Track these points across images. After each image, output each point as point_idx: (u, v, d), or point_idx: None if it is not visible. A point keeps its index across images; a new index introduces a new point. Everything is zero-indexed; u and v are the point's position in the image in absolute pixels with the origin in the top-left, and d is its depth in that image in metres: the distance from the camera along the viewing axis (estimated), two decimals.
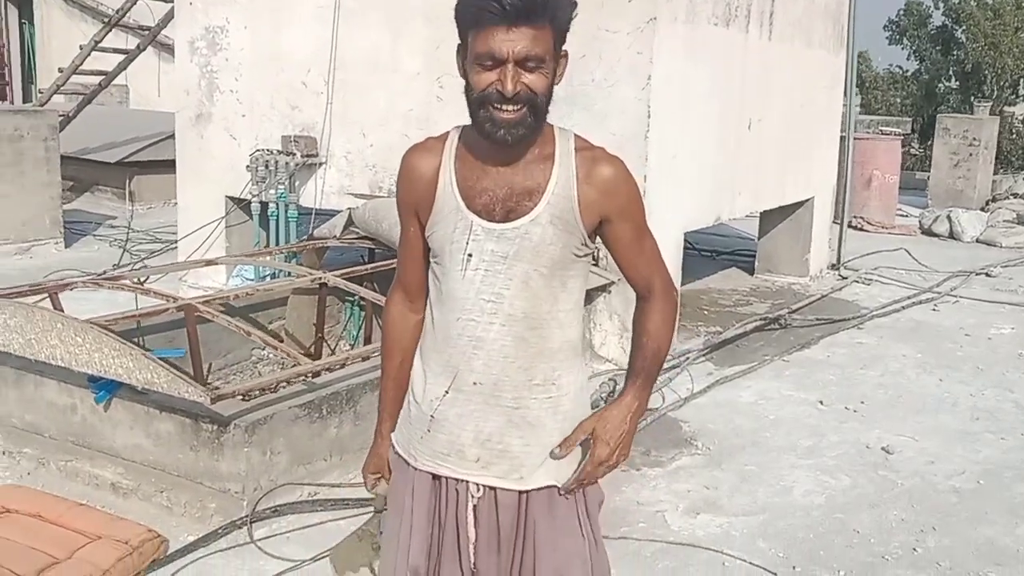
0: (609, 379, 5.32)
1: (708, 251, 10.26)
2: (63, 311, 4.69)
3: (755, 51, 7.36)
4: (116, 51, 10.52)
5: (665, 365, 6.24)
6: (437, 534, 2.14)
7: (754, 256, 9.64)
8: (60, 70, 10.52)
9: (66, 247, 9.42)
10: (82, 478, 4.25)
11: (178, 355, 4.60)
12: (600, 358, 6.28)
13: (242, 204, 7.42)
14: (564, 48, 2.03)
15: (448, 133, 2.14)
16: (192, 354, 4.35)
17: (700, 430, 5.36)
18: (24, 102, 15.76)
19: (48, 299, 4.75)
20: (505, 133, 1.94)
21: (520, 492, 2.09)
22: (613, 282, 6.11)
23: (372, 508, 2.38)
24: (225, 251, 7.49)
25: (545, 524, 2.10)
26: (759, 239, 9.50)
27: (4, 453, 4.48)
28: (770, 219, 9.14)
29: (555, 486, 2.10)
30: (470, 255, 2.03)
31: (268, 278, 6.84)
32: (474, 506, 2.10)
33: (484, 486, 2.09)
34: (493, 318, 2.04)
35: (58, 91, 10.54)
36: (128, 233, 9.87)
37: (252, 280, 7.03)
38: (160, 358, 4.65)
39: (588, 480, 2.11)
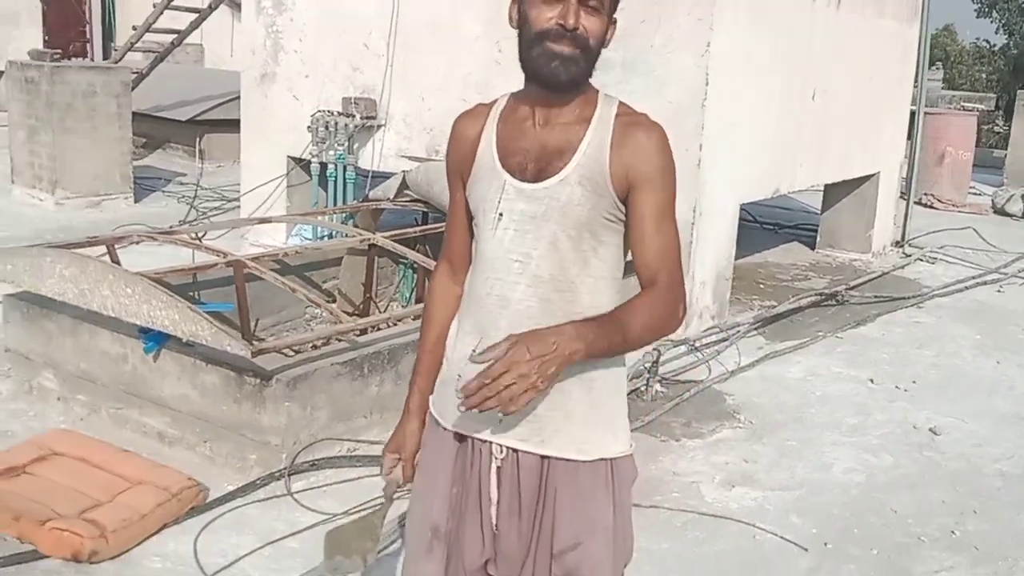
0: (653, 349, 5.30)
1: (770, 224, 10.13)
2: (120, 264, 4.83)
3: (822, 20, 7.20)
4: (189, 10, 10.68)
5: (714, 337, 6.23)
6: (460, 493, 2.15)
7: (817, 231, 9.48)
8: (134, 28, 10.72)
9: (135, 202, 9.65)
10: (131, 425, 4.40)
11: (227, 309, 4.71)
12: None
13: (303, 164, 7.52)
14: (615, 16, 2.02)
15: (497, 99, 2.15)
16: (240, 309, 4.46)
17: (744, 404, 5.33)
18: (104, 59, 16.11)
19: (107, 252, 4.88)
20: (559, 65, 1.93)
21: (542, 457, 2.07)
22: None
23: (382, 494, 2.29)
24: (286, 210, 7.62)
25: (567, 491, 2.08)
26: (822, 213, 9.34)
27: (59, 399, 4.65)
28: (834, 193, 8.97)
29: (578, 460, 2.07)
30: (501, 214, 2.03)
31: (326, 238, 6.94)
32: (497, 467, 2.09)
33: (507, 447, 2.08)
34: (519, 278, 2.02)
35: (132, 49, 10.76)
36: (196, 190, 10.08)
37: (310, 239, 7.14)
38: (209, 312, 4.78)
39: (487, 383, 1.81)
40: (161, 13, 10.06)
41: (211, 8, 10.32)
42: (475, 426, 2.10)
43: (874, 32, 8.21)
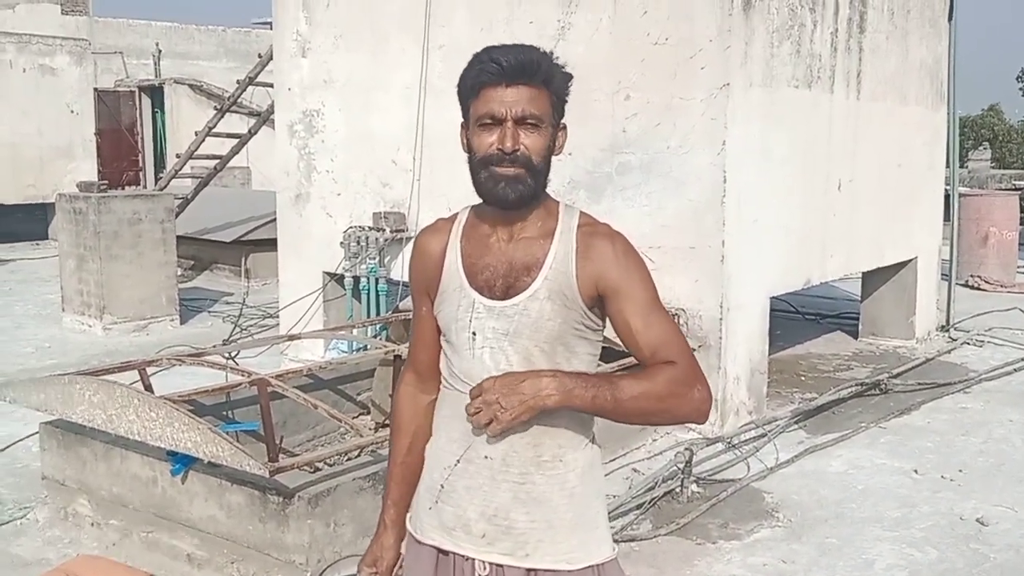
0: (685, 448, 5.24)
1: (812, 314, 10.03)
2: (151, 387, 4.94)
3: (842, 111, 7.26)
4: (231, 136, 11.09)
5: (752, 433, 6.14)
6: None
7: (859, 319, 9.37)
8: (177, 156, 11.13)
9: (182, 323, 9.87)
10: (161, 549, 4.42)
11: (251, 428, 4.76)
12: (684, 427, 6.18)
13: (337, 279, 7.67)
14: (563, 122, 2.09)
15: (458, 213, 2.21)
16: (264, 427, 4.50)
17: (783, 501, 5.21)
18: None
19: (139, 377, 4.99)
20: (505, 187, 1.99)
21: (528, 570, 2.07)
22: (694, 349, 6.03)
23: None
24: (323, 324, 7.75)
25: None
26: (862, 301, 9.24)
27: (93, 524, 4.70)
28: (872, 281, 8.89)
29: (564, 570, 2.06)
30: (474, 333, 2.06)
31: (360, 351, 7.02)
32: None
33: (490, 564, 2.08)
34: None
35: (177, 175, 11.15)
36: (241, 309, 10.29)
37: (346, 352, 7.23)
38: (239, 431, 4.85)
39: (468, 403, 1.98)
40: (203, 141, 10.45)
41: (251, 133, 10.70)
42: (456, 542, 2.10)
43: (898, 119, 8.24)
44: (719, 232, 5.96)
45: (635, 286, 2.06)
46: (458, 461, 2.09)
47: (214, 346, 7.55)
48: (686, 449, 5.22)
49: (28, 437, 5.74)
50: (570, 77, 2.07)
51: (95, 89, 16.85)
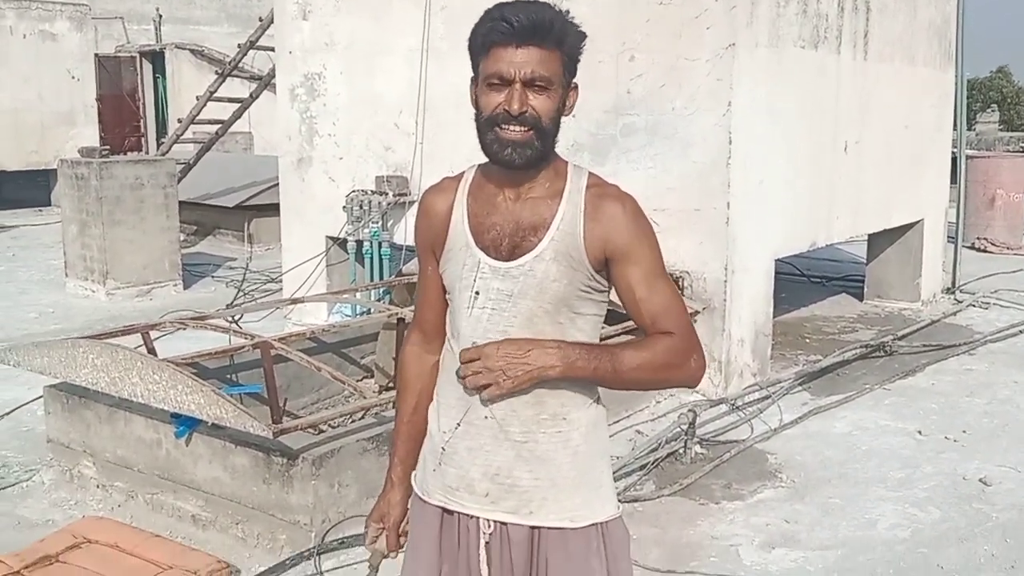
0: (688, 410, 5.23)
1: (817, 277, 10.00)
2: (154, 351, 4.94)
3: (849, 72, 7.19)
4: (232, 100, 11.02)
5: (756, 395, 6.15)
6: (450, 571, 2.13)
7: (864, 282, 9.35)
8: (179, 121, 11.07)
9: (185, 288, 9.87)
10: (166, 510, 4.44)
11: (255, 391, 4.76)
12: (687, 389, 6.18)
13: (340, 243, 7.65)
14: (575, 81, 2.05)
15: (464, 172, 2.18)
16: (268, 389, 4.50)
17: (787, 462, 5.22)
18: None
19: (142, 340, 4.99)
20: (512, 152, 1.96)
21: (532, 528, 2.06)
22: (698, 311, 6.02)
23: (368, 564, 2.27)
24: (326, 288, 7.73)
25: (558, 561, 2.06)
26: (868, 264, 9.21)
27: (99, 486, 4.72)
28: (878, 243, 8.85)
29: (567, 528, 2.07)
30: (477, 293, 2.04)
31: (364, 314, 7.01)
32: (486, 543, 2.08)
33: (495, 522, 2.07)
34: None
35: (178, 141, 11.09)
36: (245, 273, 10.28)
37: (350, 316, 7.23)
38: (243, 393, 4.85)
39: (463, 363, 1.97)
40: (204, 106, 10.39)
41: (252, 98, 10.63)
42: (460, 502, 2.09)
43: (906, 80, 8.16)
44: (724, 194, 5.92)
45: (643, 251, 2.04)
46: (459, 424, 2.07)
47: (218, 310, 7.55)
48: (690, 411, 5.21)
49: (32, 401, 5.76)
50: (584, 36, 2.02)
51: (96, 55, 16.75)
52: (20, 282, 10.19)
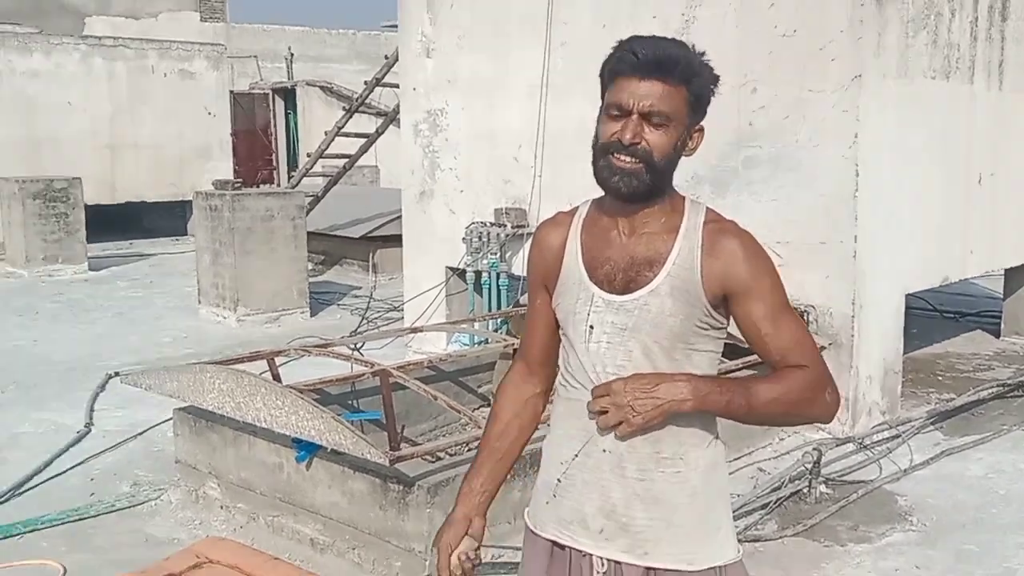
0: (813, 448, 5.07)
1: (951, 313, 9.61)
2: (279, 377, 5.07)
3: (983, 103, 6.92)
4: (358, 135, 11.31)
5: (885, 434, 5.92)
6: None
7: (1001, 317, 8.93)
8: (308, 155, 11.42)
9: (312, 315, 10.12)
10: (286, 533, 4.54)
11: (374, 417, 4.84)
12: (813, 426, 5.99)
13: (459, 273, 7.74)
14: (702, 124, 2.04)
15: (578, 207, 2.19)
16: (386, 417, 4.57)
17: (917, 505, 5.00)
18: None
19: (268, 366, 5.13)
20: (619, 180, 1.96)
21: (647, 569, 2.02)
22: (824, 347, 5.85)
23: None
24: (445, 317, 7.83)
25: None
26: (1004, 299, 8.80)
27: (222, 507, 4.86)
28: (1016, 277, 8.45)
29: (684, 570, 2.01)
30: (591, 327, 2.03)
31: (481, 344, 7.06)
32: None
33: (608, 560, 2.04)
34: None
35: (307, 174, 11.43)
36: (369, 302, 10.50)
37: (467, 345, 7.29)
38: (362, 419, 4.93)
39: (593, 399, 1.96)
40: (332, 140, 10.70)
41: (378, 133, 10.90)
42: (573, 536, 2.07)
43: None
44: (851, 227, 5.75)
45: (764, 287, 2.01)
46: (576, 455, 2.06)
47: (340, 338, 7.71)
48: (814, 449, 5.06)
49: (163, 422, 5.98)
50: (716, 78, 2.01)
51: (231, 92, 17.48)
52: (156, 308, 10.64)
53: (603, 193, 2.05)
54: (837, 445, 5.50)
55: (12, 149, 14.64)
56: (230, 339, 9.07)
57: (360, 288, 11.75)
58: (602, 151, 1.98)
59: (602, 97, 2.03)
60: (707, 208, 2.08)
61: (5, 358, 8.24)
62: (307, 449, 4.38)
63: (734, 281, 1.99)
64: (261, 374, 5.15)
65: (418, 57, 8.01)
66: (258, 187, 16.43)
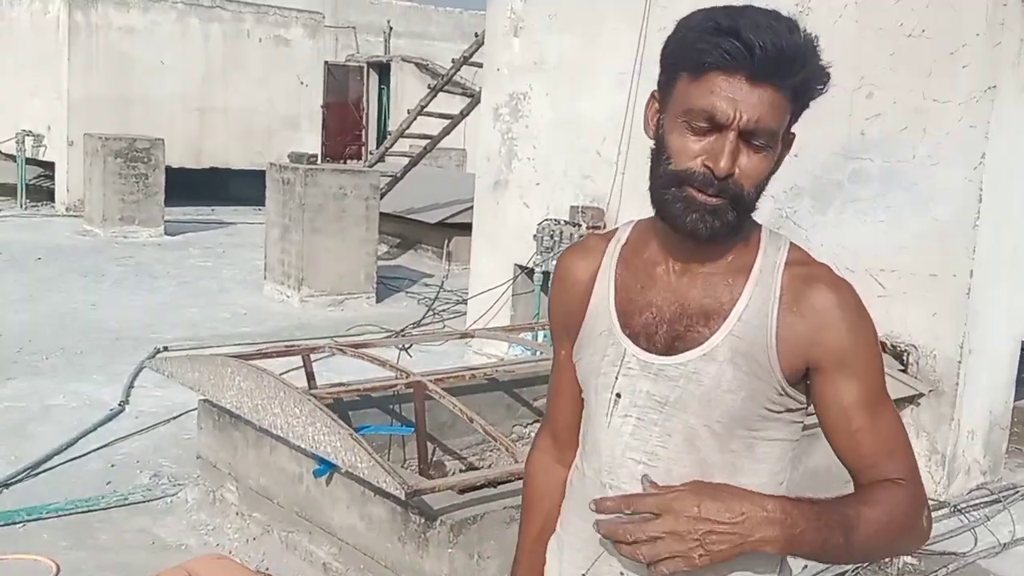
0: None
1: None
2: (314, 375, 4.63)
3: None
4: (443, 116, 10.86)
5: (984, 499, 5.23)
6: None
7: None
8: (388, 133, 11.02)
9: (377, 302, 9.74)
10: (299, 552, 4.10)
11: (407, 432, 4.36)
12: None
13: (528, 272, 7.23)
14: (793, 131, 1.48)
15: (617, 229, 1.65)
16: (417, 434, 4.10)
17: None
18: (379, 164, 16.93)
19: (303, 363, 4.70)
20: (699, 220, 1.41)
21: None
22: (922, 394, 5.18)
23: None
24: (510, 318, 7.34)
25: None
26: None
27: (238, 514, 4.45)
28: None
29: None
30: (618, 395, 1.51)
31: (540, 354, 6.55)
32: None
33: None
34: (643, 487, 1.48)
35: (387, 153, 11.03)
36: (438, 292, 10.08)
37: (529, 351, 6.77)
38: (394, 433, 4.46)
39: (629, 514, 1.36)
40: (413, 120, 10.28)
41: (462, 115, 10.43)
42: None
43: None
44: (968, 260, 5.06)
45: (862, 364, 1.46)
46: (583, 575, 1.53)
47: (386, 336, 7.30)
48: None
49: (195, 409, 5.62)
50: (828, 77, 1.44)
51: (326, 62, 17.22)
52: (223, 280, 10.38)
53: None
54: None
55: (102, 106, 14.60)
56: (289, 320, 8.74)
57: (432, 276, 11.34)
58: (676, 179, 1.42)
59: (666, 84, 1.47)
60: (791, 244, 1.52)
61: (59, 321, 8.02)
62: (327, 464, 3.93)
63: (824, 350, 1.44)
64: (292, 371, 4.74)
65: (505, 35, 7.49)
66: (344, 163, 16.15)
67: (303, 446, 3.70)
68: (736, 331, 1.45)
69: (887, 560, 4.37)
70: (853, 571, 4.26)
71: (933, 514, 4.80)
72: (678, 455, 1.47)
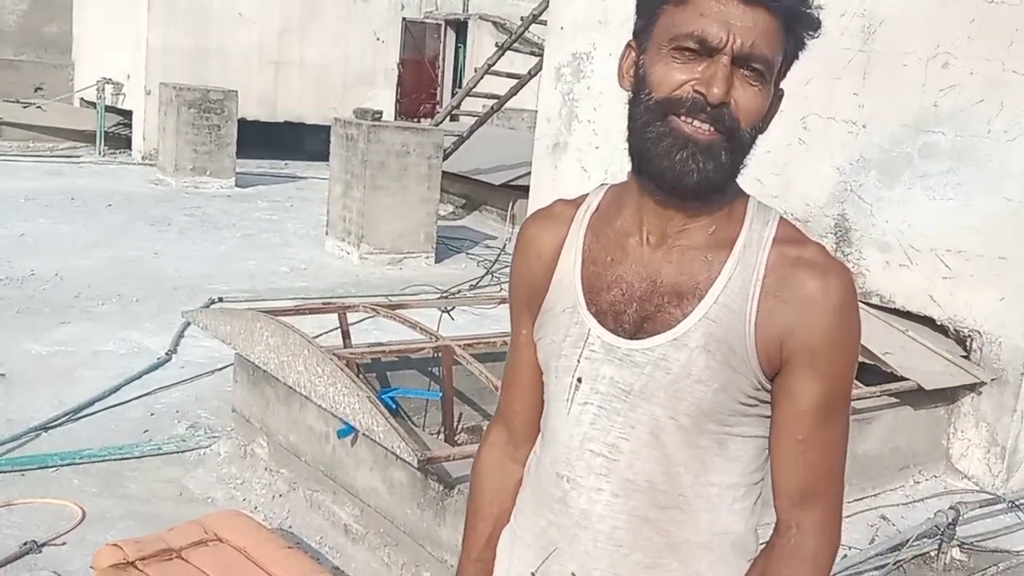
0: (951, 507, 4.22)
1: None
2: (349, 333, 4.57)
3: None
4: (510, 75, 10.69)
5: None
6: None
7: None
8: (455, 91, 10.89)
9: (436, 262, 9.67)
10: (322, 512, 4.06)
11: (434, 397, 4.28)
12: (957, 472, 5.10)
13: None
14: (782, 87, 1.34)
15: (587, 196, 1.50)
16: (445, 401, 4.01)
17: None
18: (452, 122, 16.85)
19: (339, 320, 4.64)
20: (689, 158, 1.26)
21: None
22: (984, 383, 4.92)
23: None
24: None
25: None
26: None
27: (267, 469, 4.43)
28: None
29: None
30: (579, 380, 1.37)
31: None
32: None
33: None
34: (603, 482, 1.35)
35: (454, 111, 10.91)
36: (499, 255, 9.96)
37: None
38: (425, 398, 4.38)
39: None
40: (480, 78, 10.13)
41: (530, 75, 10.25)
42: None
43: None
44: None
45: (833, 365, 1.31)
46: (532, 574, 1.41)
47: (425, 298, 7.21)
48: (951, 508, 4.20)
49: None
50: (819, 24, 1.30)
51: (403, 19, 17.11)
52: (286, 234, 10.41)
53: (632, 175, 1.39)
54: (983, 505, 4.59)
55: (179, 56, 14.73)
56: (347, 276, 8.73)
57: (495, 238, 11.23)
58: (662, 108, 1.27)
59: (645, 23, 1.32)
60: (781, 218, 1.36)
61: (119, 268, 8.12)
62: (350, 426, 3.86)
63: (798, 342, 1.29)
64: (333, 330, 4.69)
65: None
66: (418, 121, 16.07)
67: (324, 406, 3.64)
68: (712, 315, 1.30)
69: (933, 555, 4.17)
70: (895, 565, 4.07)
71: (990, 508, 4.59)
72: (641, 449, 1.33)
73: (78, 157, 14.56)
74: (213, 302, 7.24)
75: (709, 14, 1.23)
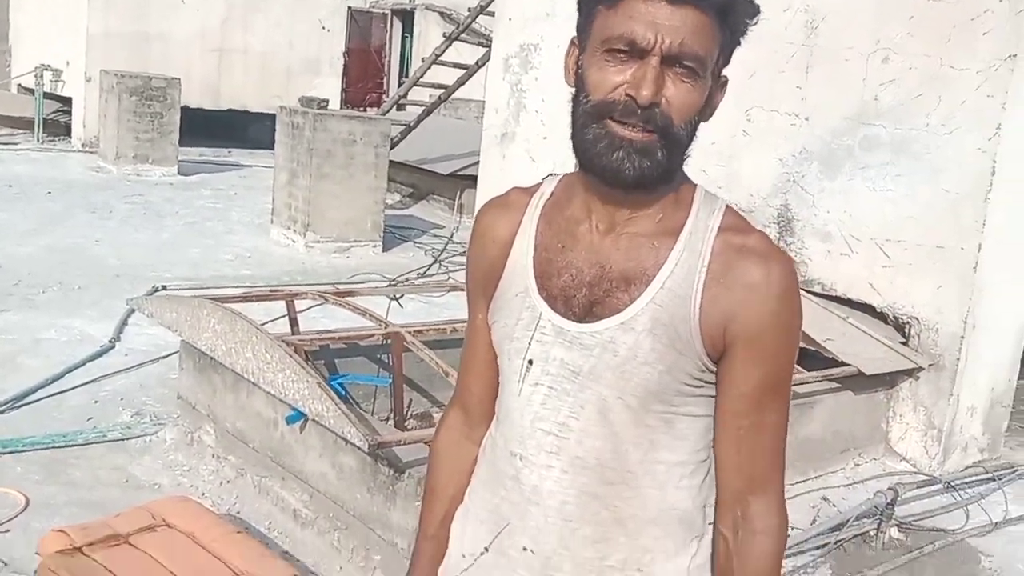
0: (890, 488, 4.34)
1: None
2: (297, 321, 4.56)
3: None
4: (457, 66, 10.69)
5: (979, 477, 5.12)
6: None
7: None
8: (401, 81, 10.87)
9: (384, 251, 9.65)
10: (271, 498, 4.05)
11: (383, 384, 4.29)
12: (895, 454, 5.24)
13: None
14: (725, 75, 1.39)
15: (541, 183, 1.54)
16: (395, 387, 4.02)
17: (1005, 568, 4.27)
18: (398, 111, 16.77)
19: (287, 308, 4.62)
20: (624, 159, 1.31)
21: None
22: (922, 368, 5.05)
23: None
24: None
25: None
26: None
27: (214, 455, 4.41)
28: None
29: None
30: (530, 361, 1.41)
31: None
32: None
33: None
34: (553, 459, 1.39)
35: (399, 102, 10.89)
36: (447, 244, 9.97)
37: None
38: (374, 385, 4.39)
39: None
40: (427, 68, 10.12)
41: (477, 65, 10.25)
42: None
43: None
44: (977, 233, 4.91)
45: (774, 350, 1.36)
46: (485, 549, 1.44)
47: (375, 286, 7.21)
48: (890, 488, 4.32)
49: None
50: (757, 10, 1.34)
51: (349, 8, 16.99)
52: (230, 222, 10.31)
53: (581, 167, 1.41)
54: (920, 486, 4.73)
55: (120, 42, 14.46)
56: (293, 264, 8.68)
57: (443, 227, 11.22)
58: (596, 112, 1.33)
59: (583, 23, 1.37)
60: (727, 207, 1.41)
61: (60, 256, 7.99)
62: (299, 412, 3.86)
63: (740, 327, 1.34)
64: (280, 318, 4.67)
65: None
66: (364, 110, 15.98)
67: (272, 392, 3.63)
68: (658, 299, 1.35)
69: (872, 534, 4.28)
70: (836, 545, 4.17)
71: (927, 489, 4.72)
72: (590, 427, 1.37)
73: (15, 144, 14.25)
74: (157, 290, 7.16)
75: (637, 16, 1.28)
